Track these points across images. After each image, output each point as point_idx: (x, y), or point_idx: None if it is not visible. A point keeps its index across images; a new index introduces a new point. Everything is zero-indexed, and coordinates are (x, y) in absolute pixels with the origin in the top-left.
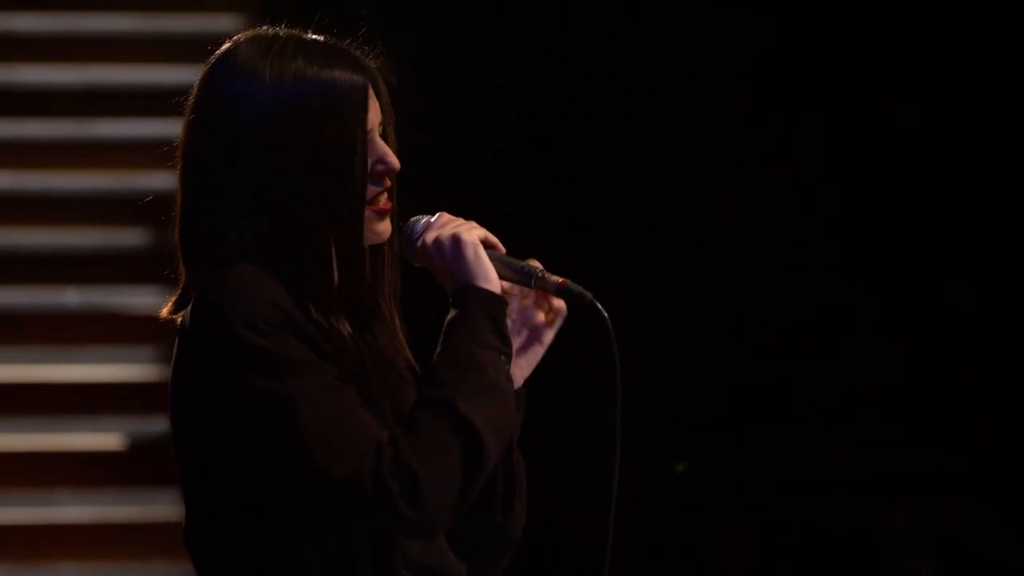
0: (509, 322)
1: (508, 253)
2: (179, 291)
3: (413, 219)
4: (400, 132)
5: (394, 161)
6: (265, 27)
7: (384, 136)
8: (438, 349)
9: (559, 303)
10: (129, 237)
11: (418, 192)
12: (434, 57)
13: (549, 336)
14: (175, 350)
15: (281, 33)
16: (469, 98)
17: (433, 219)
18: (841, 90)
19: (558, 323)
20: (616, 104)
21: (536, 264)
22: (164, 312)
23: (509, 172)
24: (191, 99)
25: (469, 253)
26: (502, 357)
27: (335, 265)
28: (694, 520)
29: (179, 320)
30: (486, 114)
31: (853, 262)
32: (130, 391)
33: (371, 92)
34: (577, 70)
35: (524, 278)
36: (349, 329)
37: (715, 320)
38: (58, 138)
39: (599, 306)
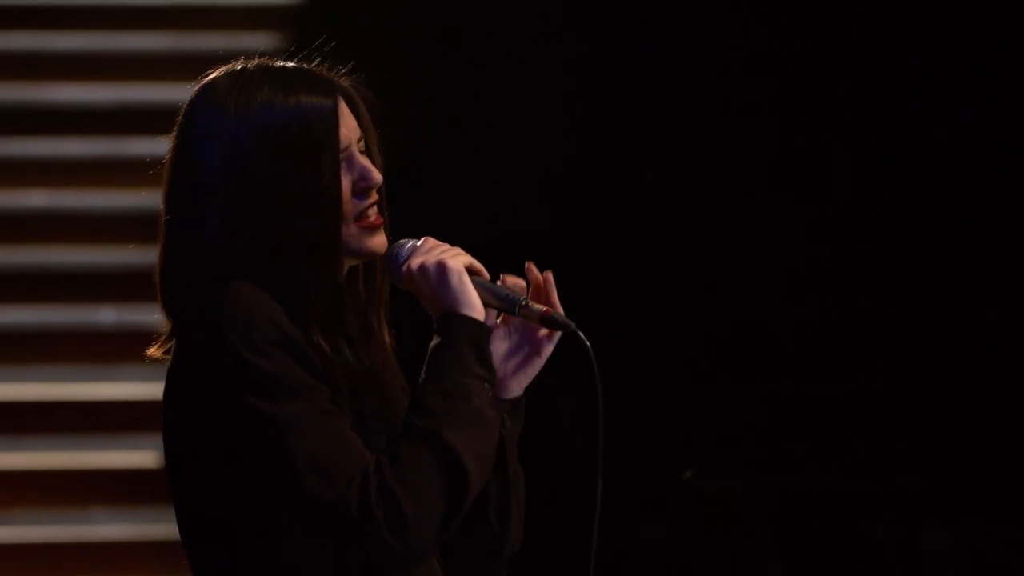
0: (510, 332)
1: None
2: (166, 331)
3: (399, 243)
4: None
5: (375, 175)
6: (239, 60)
7: (368, 151)
8: (422, 376)
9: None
10: None
11: (406, 204)
12: (449, 65)
13: (548, 349)
14: (168, 368)
15: (250, 64)
16: (471, 110)
17: (419, 244)
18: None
19: (556, 336)
20: (626, 123)
21: (517, 280)
22: (153, 352)
23: (504, 189)
24: (171, 141)
25: (454, 280)
26: (486, 384)
27: (316, 288)
28: (729, 538)
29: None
30: (483, 134)
31: (878, 275)
32: None
33: (345, 109)
34: (585, 80)
35: (508, 305)
36: (342, 348)
37: (749, 337)
38: (93, 156)
39: (581, 335)
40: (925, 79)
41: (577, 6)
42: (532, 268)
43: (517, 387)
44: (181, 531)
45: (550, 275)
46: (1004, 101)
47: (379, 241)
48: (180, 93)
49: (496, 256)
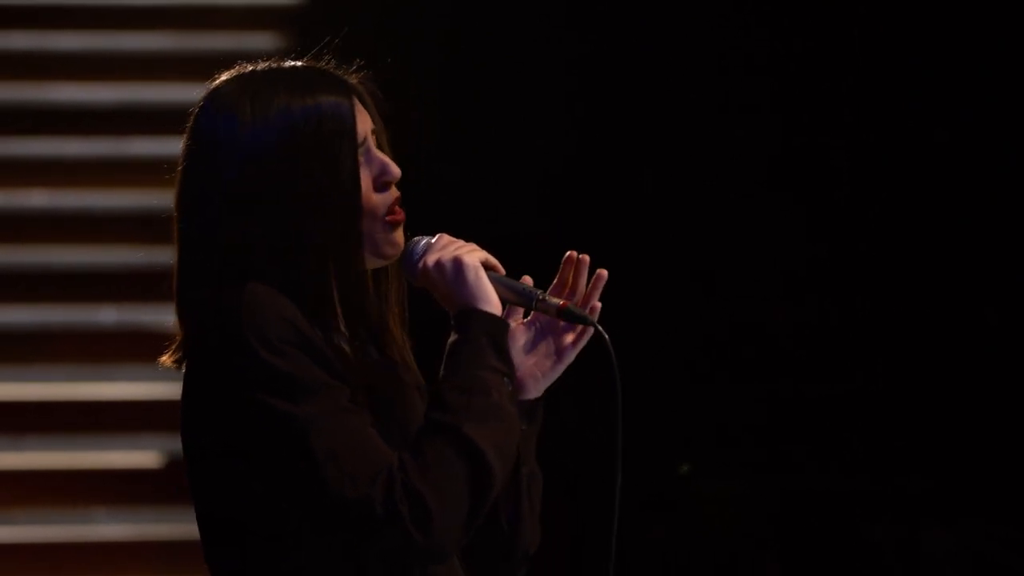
0: (532, 335)
1: (518, 270)
2: (179, 338)
3: (413, 240)
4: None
5: (395, 169)
6: (243, 63)
7: (380, 147)
8: (441, 372)
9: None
10: (166, 255)
11: (406, 204)
12: (450, 65)
13: (571, 356)
14: (185, 370)
15: (259, 68)
16: (471, 110)
17: (433, 240)
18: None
19: (581, 344)
20: (626, 123)
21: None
22: (164, 360)
23: (504, 189)
24: (182, 148)
25: (470, 275)
26: (505, 379)
27: (336, 286)
28: (728, 538)
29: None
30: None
31: (877, 275)
32: (167, 409)
33: (359, 106)
34: (585, 80)
35: (525, 300)
36: (359, 347)
37: (748, 337)
38: (94, 156)
39: (600, 329)
40: (925, 79)
41: (578, 6)
42: (570, 260)
43: (535, 390)
44: (199, 531)
45: (604, 273)
46: (1004, 101)
47: (400, 239)
48: (181, 93)
49: (496, 256)
